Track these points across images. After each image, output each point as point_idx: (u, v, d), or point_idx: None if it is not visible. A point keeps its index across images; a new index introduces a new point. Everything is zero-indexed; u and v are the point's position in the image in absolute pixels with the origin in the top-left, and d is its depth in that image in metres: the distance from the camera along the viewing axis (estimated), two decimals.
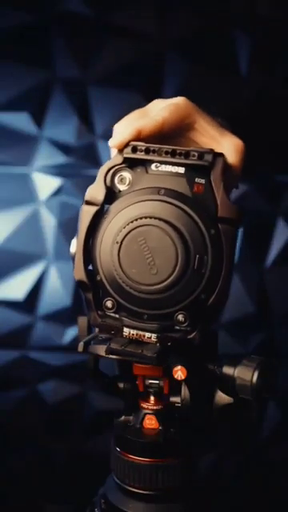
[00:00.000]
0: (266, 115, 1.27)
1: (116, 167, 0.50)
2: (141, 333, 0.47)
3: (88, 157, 1.27)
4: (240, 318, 1.27)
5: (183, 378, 0.46)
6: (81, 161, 1.28)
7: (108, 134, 1.34)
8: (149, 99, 1.29)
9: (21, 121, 1.28)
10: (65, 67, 1.27)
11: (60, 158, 1.29)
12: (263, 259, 1.29)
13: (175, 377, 0.46)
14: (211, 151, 0.46)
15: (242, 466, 1.31)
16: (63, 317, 1.29)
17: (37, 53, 1.27)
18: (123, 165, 0.50)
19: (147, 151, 0.48)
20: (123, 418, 0.54)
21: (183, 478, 0.51)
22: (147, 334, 0.46)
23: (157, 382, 0.51)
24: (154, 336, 0.46)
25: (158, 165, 0.48)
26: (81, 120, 1.28)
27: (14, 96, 1.27)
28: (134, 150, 0.49)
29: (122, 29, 1.26)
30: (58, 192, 1.29)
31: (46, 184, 1.29)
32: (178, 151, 0.47)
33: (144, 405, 0.52)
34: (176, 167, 0.47)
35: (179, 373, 0.46)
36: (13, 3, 1.26)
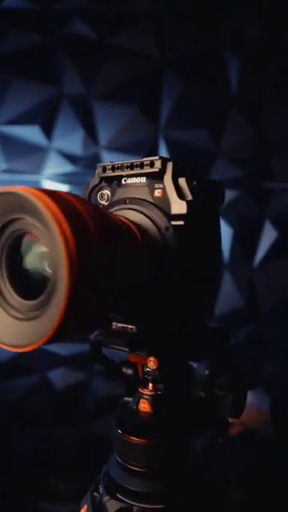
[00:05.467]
0: (254, 128, 1.27)
1: (96, 187, 0.52)
2: (125, 325, 0.48)
3: (93, 166, 1.27)
4: (231, 312, 1.27)
5: (155, 368, 0.47)
6: (86, 169, 1.29)
7: (111, 145, 1.34)
8: (147, 113, 1.30)
9: (32, 133, 1.29)
10: (71, 84, 1.27)
11: (67, 167, 1.29)
12: (252, 258, 1.29)
13: (148, 366, 0.48)
14: (160, 158, 0.46)
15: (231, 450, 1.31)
16: None
17: (46, 71, 1.28)
18: (101, 184, 0.52)
19: (113, 169, 0.51)
20: (125, 399, 0.55)
21: (173, 458, 0.51)
22: (129, 326, 0.48)
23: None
24: (134, 328, 0.47)
25: (126, 179, 0.50)
26: (86, 132, 1.28)
27: (26, 110, 1.28)
28: (104, 169, 0.51)
29: (123, 49, 1.26)
30: None
31: None
32: (135, 163, 0.48)
33: (140, 389, 0.52)
34: (139, 178, 0.49)
35: (151, 363, 0.47)
36: (24, 26, 1.26)
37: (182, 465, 0.52)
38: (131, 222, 0.45)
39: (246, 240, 1.28)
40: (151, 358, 0.47)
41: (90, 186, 0.54)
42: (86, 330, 0.36)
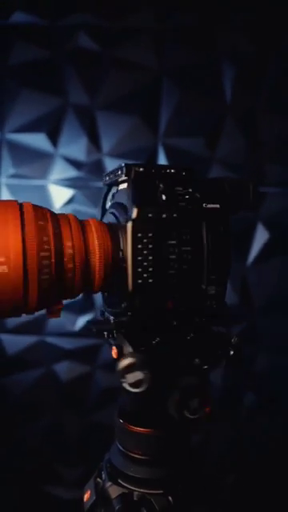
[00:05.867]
0: (247, 136, 1.28)
1: (107, 193, 0.54)
2: (109, 316, 0.51)
3: (96, 171, 1.29)
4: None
5: (115, 357, 0.48)
6: (90, 175, 1.30)
7: (113, 152, 1.34)
8: (147, 122, 1.31)
9: (38, 140, 1.30)
10: (76, 95, 1.28)
11: (72, 172, 1.30)
12: (246, 258, 1.30)
13: (112, 354, 0.49)
14: (124, 166, 0.47)
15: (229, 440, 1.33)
16: (75, 307, 1.31)
17: (52, 83, 1.29)
18: (111, 190, 0.54)
19: (107, 176, 0.53)
20: None
21: (171, 447, 0.52)
22: (111, 317, 0.50)
23: None
24: (112, 318, 0.50)
25: (120, 184, 0.51)
26: (90, 140, 1.29)
27: (33, 119, 1.29)
28: (105, 178, 0.53)
29: (124, 61, 1.27)
30: (70, 201, 1.30)
31: (60, 194, 1.31)
32: (115, 171, 0.50)
33: None
34: (125, 184, 0.49)
35: (113, 353, 0.48)
36: (32, 40, 1.27)
37: (179, 453, 0.53)
38: (101, 225, 0.47)
39: (239, 240, 1.30)
40: (113, 348, 0.48)
41: (103, 193, 0.56)
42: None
